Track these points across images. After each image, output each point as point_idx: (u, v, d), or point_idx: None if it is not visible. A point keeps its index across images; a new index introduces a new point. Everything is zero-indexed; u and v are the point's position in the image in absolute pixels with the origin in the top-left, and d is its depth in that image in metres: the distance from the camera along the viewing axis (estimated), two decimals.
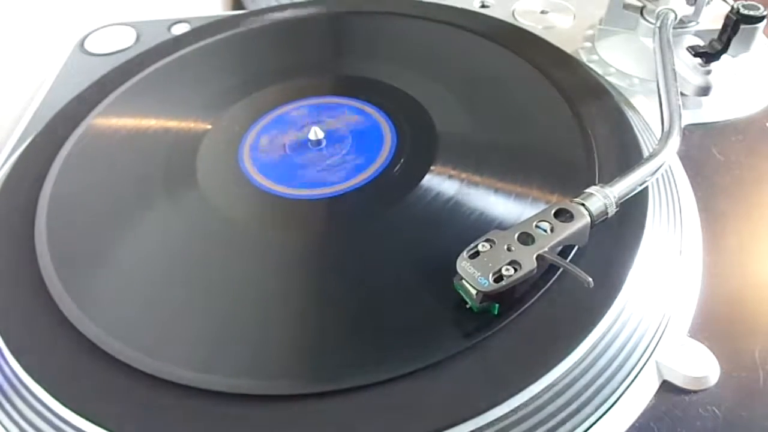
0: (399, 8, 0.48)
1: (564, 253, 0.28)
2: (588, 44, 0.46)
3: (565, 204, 0.28)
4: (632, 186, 0.29)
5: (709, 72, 0.38)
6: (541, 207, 0.28)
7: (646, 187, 0.31)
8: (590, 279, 0.25)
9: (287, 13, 0.49)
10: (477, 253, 0.26)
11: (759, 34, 0.38)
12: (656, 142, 0.32)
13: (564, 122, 0.36)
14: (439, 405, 0.24)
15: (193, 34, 0.48)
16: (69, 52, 0.51)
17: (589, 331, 0.26)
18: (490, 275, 0.25)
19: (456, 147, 0.36)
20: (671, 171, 0.35)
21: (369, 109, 0.39)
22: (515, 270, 0.26)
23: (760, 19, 0.37)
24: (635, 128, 0.36)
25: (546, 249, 0.26)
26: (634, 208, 0.30)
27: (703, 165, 0.36)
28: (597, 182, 0.29)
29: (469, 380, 0.25)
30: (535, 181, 0.33)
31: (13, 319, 0.30)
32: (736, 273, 0.31)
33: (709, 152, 0.37)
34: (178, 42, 0.47)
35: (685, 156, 0.36)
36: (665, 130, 0.32)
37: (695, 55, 0.39)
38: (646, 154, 0.33)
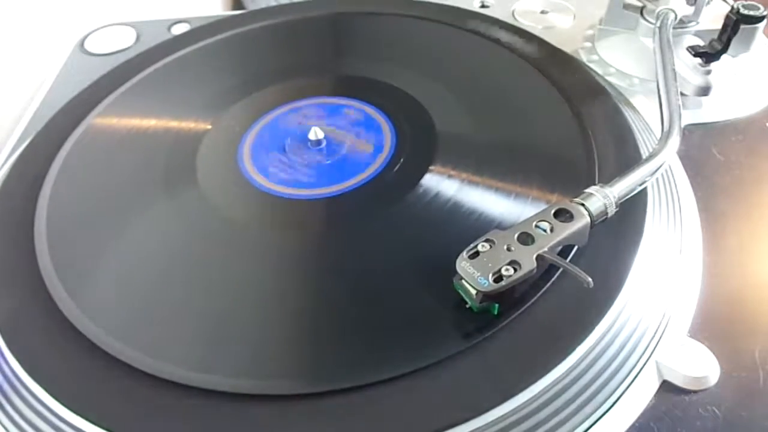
0: (399, 8, 0.48)
1: (564, 253, 0.28)
2: (588, 44, 0.46)
3: (565, 204, 0.28)
4: (632, 186, 0.29)
5: (709, 72, 0.38)
6: (541, 207, 0.28)
7: (646, 187, 0.31)
8: (590, 279, 0.25)
9: (287, 13, 0.49)
10: (477, 253, 0.26)
11: (759, 34, 0.38)
12: (656, 142, 0.32)
13: (564, 122, 0.36)
14: (439, 405, 0.24)
15: (193, 34, 0.48)
16: (69, 52, 0.51)
17: (589, 331, 0.26)
18: (490, 275, 0.25)
19: (456, 147, 0.36)
20: (671, 171, 0.35)
21: (369, 109, 0.39)
22: (515, 270, 0.26)
23: (760, 19, 0.37)
24: (635, 128, 0.36)
25: (546, 249, 0.26)
26: (634, 208, 0.30)
27: (703, 165, 0.36)
28: (597, 182, 0.29)
29: (469, 380, 0.25)
30: (535, 181, 0.33)
31: (12, 319, 0.30)
32: (736, 273, 0.31)
33: (709, 152, 0.37)
34: (178, 42, 0.47)
35: (685, 156, 0.36)
36: (665, 130, 0.32)
37: (695, 55, 0.39)
38: (645, 154, 0.33)
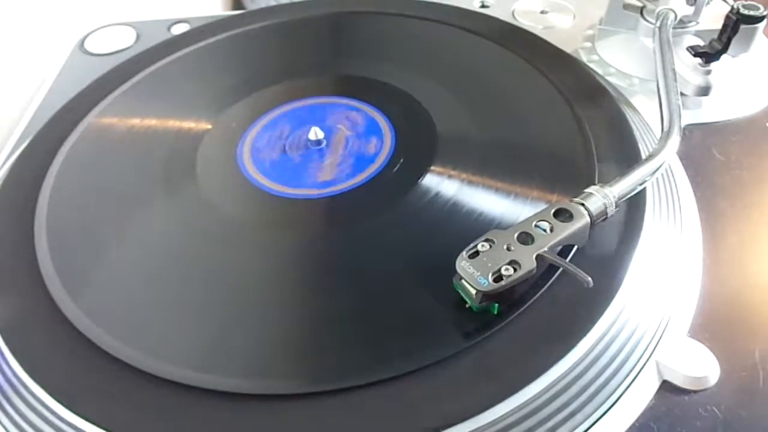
0: (399, 8, 0.48)
1: (564, 252, 0.28)
2: (588, 44, 0.46)
3: (565, 204, 0.28)
4: (632, 186, 0.29)
5: (709, 72, 0.38)
6: (541, 207, 0.28)
7: (646, 187, 0.31)
8: (590, 279, 0.25)
9: (287, 13, 0.49)
10: (476, 253, 0.26)
11: (759, 34, 0.38)
12: (656, 142, 0.32)
13: (564, 122, 0.36)
14: (439, 405, 0.24)
15: (193, 34, 0.48)
16: (69, 52, 0.51)
17: (589, 331, 0.26)
18: (490, 275, 0.25)
19: (456, 147, 0.36)
20: (671, 171, 0.35)
21: (369, 109, 0.39)
22: (515, 270, 0.26)
23: (760, 19, 0.37)
24: (635, 128, 0.36)
25: (545, 249, 0.26)
26: (634, 208, 0.30)
27: (703, 165, 0.36)
28: (597, 182, 0.29)
29: (469, 380, 0.25)
30: (535, 181, 0.33)
31: (13, 319, 0.30)
32: (736, 273, 0.31)
33: (709, 152, 0.37)
34: (178, 42, 0.47)
35: (685, 156, 0.36)
36: (665, 130, 0.32)
37: (695, 55, 0.39)
38: (645, 154, 0.33)
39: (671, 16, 0.39)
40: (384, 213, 0.33)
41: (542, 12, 0.50)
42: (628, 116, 0.37)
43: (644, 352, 0.27)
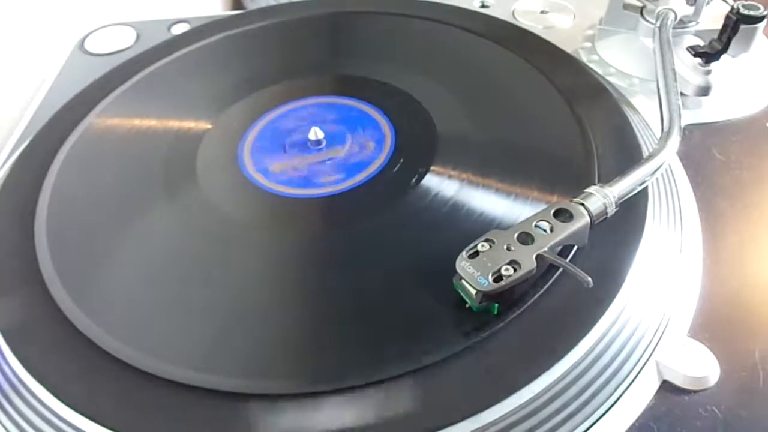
0: (399, 8, 0.48)
1: (564, 253, 0.28)
2: (588, 44, 0.46)
3: (565, 204, 0.28)
4: (632, 186, 0.29)
5: (709, 72, 0.38)
6: (541, 207, 0.28)
7: (646, 187, 0.31)
8: (590, 279, 0.25)
9: (287, 13, 0.49)
10: (476, 253, 0.26)
11: (759, 34, 0.38)
12: (656, 142, 0.32)
13: (564, 122, 0.36)
14: (439, 405, 0.24)
15: (193, 34, 0.48)
16: (69, 52, 0.51)
17: (589, 331, 0.26)
18: (490, 275, 0.25)
19: (456, 147, 0.36)
20: (671, 171, 0.35)
21: (369, 109, 0.39)
22: (515, 270, 0.26)
23: (760, 19, 0.37)
24: (635, 128, 0.36)
25: (545, 249, 0.26)
26: (634, 208, 0.30)
27: (703, 165, 0.36)
28: (597, 182, 0.29)
29: (468, 380, 0.25)
30: (535, 181, 0.33)
31: (13, 319, 0.30)
32: (736, 273, 0.31)
33: (709, 152, 0.37)
34: (178, 42, 0.47)
35: (685, 156, 0.36)
36: (665, 130, 0.32)
37: (695, 55, 0.39)
38: (645, 154, 0.33)
39: (671, 16, 0.39)
40: (384, 213, 0.33)
41: (542, 12, 0.50)
42: (628, 116, 0.37)
43: (644, 352, 0.27)
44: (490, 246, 0.27)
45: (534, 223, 0.27)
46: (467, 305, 0.27)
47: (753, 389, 0.26)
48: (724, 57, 0.38)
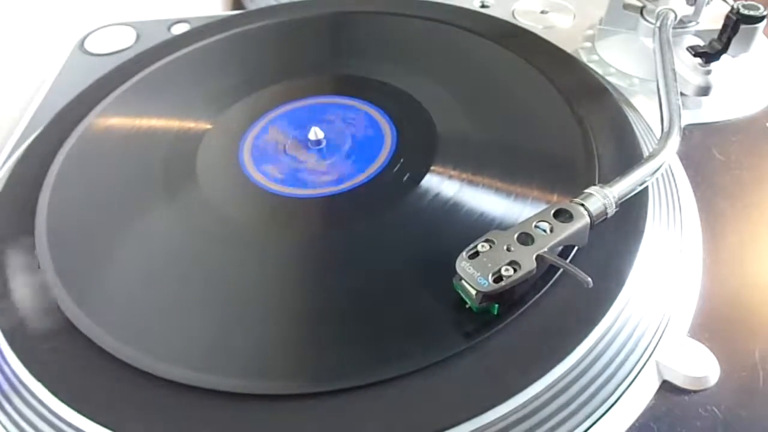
0: (399, 8, 0.48)
1: (564, 253, 0.28)
2: (588, 44, 0.46)
3: (565, 204, 0.28)
4: (632, 186, 0.29)
5: (709, 72, 0.38)
6: (541, 207, 0.28)
7: (646, 187, 0.31)
8: (590, 279, 0.25)
9: (287, 13, 0.49)
10: (476, 254, 0.26)
11: (759, 34, 0.38)
12: (656, 142, 0.32)
13: (564, 122, 0.36)
14: (439, 405, 0.24)
15: (193, 34, 0.48)
16: (69, 52, 0.51)
17: (589, 331, 0.26)
18: (490, 275, 0.25)
19: (456, 147, 0.36)
20: (671, 171, 0.35)
21: (369, 109, 0.39)
22: (515, 270, 0.26)
23: (760, 19, 0.37)
24: (635, 128, 0.36)
25: (545, 249, 0.26)
26: (634, 208, 0.30)
27: (703, 165, 0.36)
28: (597, 182, 0.29)
29: (468, 380, 0.25)
30: (535, 181, 0.33)
31: (12, 318, 0.30)
32: (736, 273, 0.31)
33: (709, 152, 0.37)
34: (178, 42, 0.47)
35: (685, 156, 0.36)
36: (665, 130, 0.32)
37: (695, 55, 0.39)
38: (646, 154, 0.33)
39: (671, 16, 0.39)
40: (384, 213, 0.33)
41: (542, 12, 0.50)
42: (628, 116, 0.37)
43: (644, 352, 0.27)
44: (490, 246, 0.27)
45: (534, 224, 0.27)
46: (467, 306, 0.27)
47: (753, 389, 0.26)
48: (724, 57, 0.38)
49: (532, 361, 0.25)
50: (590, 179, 0.32)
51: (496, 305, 0.26)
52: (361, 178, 0.35)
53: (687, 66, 0.39)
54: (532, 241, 0.27)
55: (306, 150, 0.37)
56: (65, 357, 0.28)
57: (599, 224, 0.28)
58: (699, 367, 0.27)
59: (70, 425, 0.26)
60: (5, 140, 0.44)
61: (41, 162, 0.38)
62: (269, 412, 0.25)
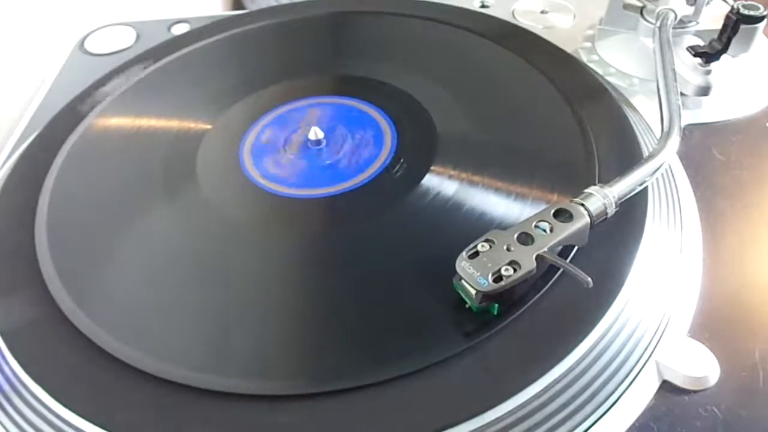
0: (399, 8, 0.48)
1: (564, 253, 0.28)
2: (588, 44, 0.46)
3: (565, 204, 0.28)
4: (632, 186, 0.29)
5: (709, 72, 0.38)
6: (541, 207, 0.28)
7: (646, 187, 0.31)
8: (589, 279, 0.25)
9: (287, 13, 0.49)
10: (476, 253, 0.26)
11: (759, 34, 0.38)
12: (656, 142, 0.32)
13: (564, 122, 0.36)
14: (439, 405, 0.24)
15: (193, 34, 0.48)
16: (69, 52, 0.51)
17: (589, 331, 0.26)
18: (490, 275, 0.25)
19: (456, 147, 0.36)
20: (671, 171, 0.35)
21: (369, 109, 0.39)
22: (515, 270, 0.26)
23: (760, 19, 0.37)
24: (635, 128, 0.36)
25: (545, 249, 0.26)
26: (634, 208, 0.30)
27: (703, 165, 0.36)
28: (597, 182, 0.29)
29: (468, 380, 0.25)
30: (535, 181, 0.33)
31: (13, 319, 0.30)
32: (736, 273, 0.31)
33: (709, 152, 0.37)
34: (178, 42, 0.47)
35: (685, 156, 0.36)
36: (665, 130, 0.32)
37: (695, 55, 0.39)
38: (645, 154, 0.33)
39: (671, 16, 0.39)
40: (384, 213, 0.33)
41: (542, 12, 0.50)
42: (628, 116, 0.37)
43: (644, 352, 0.27)
44: (490, 246, 0.27)
45: (534, 224, 0.27)
46: (467, 305, 0.27)
47: (753, 389, 0.26)
48: (724, 57, 0.38)
49: (532, 361, 0.25)
50: (590, 179, 0.32)
51: (496, 305, 0.26)
52: (361, 178, 0.35)
53: (687, 66, 0.39)
54: (532, 240, 0.27)
55: (306, 150, 0.37)
56: (65, 357, 0.28)
57: (599, 224, 0.28)
58: (699, 367, 0.27)
59: (69, 425, 0.26)
60: (5, 140, 0.44)
61: (41, 162, 0.38)
62: (269, 412, 0.25)
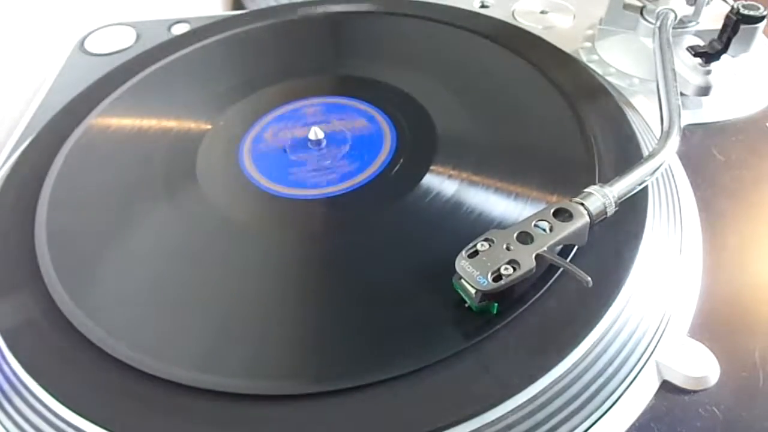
0: (399, 8, 0.48)
1: (564, 252, 0.28)
2: (588, 44, 0.46)
3: (565, 203, 0.28)
4: (631, 186, 0.29)
5: (709, 72, 0.38)
6: (541, 207, 0.28)
7: (646, 187, 0.31)
8: (589, 278, 0.25)
9: (287, 13, 0.49)
10: (476, 253, 0.26)
11: (759, 34, 0.38)
12: (656, 142, 0.32)
13: (564, 122, 0.36)
14: (439, 404, 0.24)
15: (193, 34, 0.48)
16: (69, 52, 0.51)
17: (589, 331, 0.26)
18: (489, 274, 0.25)
19: (456, 147, 0.36)
20: (671, 171, 0.35)
21: (369, 109, 0.39)
22: (514, 269, 0.26)
23: (760, 19, 0.37)
24: (635, 128, 0.36)
25: (545, 248, 0.26)
26: (634, 208, 0.30)
27: (703, 165, 0.36)
28: (596, 182, 0.29)
29: (468, 380, 0.25)
30: (535, 181, 0.33)
31: (12, 319, 0.30)
32: (736, 273, 0.31)
33: (709, 152, 0.37)
34: (178, 42, 0.47)
35: (685, 156, 0.36)
36: (665, 130, 0.32)
37: (695, 55, 0.39)
38: (645, 154, 0.33)
39: (671, 16, 0.39)
40: (384, 213, 0.33)
41: (542, 12, 0.50)
42: (628, 116, 0.37)
43: (644, 352, 0.27)
44: (490, 245, 0.27)
45: (533, 223, 0.27)
46: (467, 305, 0.27)
47: (753, 389, 0.26)
48: (724, 57, 0.38)
49: (532, 361, 0.25)
50: (590, 179, 0.32)
51: (496, 304, 0.26)
52: (361, 178, 0.35)
53: (687, 66, 0.39)
54: (532, 240, 0.27)
55: (306, 150, 0.37)
56: (65, 357, 0.28)
57: (599, 223, 0.28)
58: (699, 367, 0.27)
59: (69, 425, 0.26)
60: (5, 140, 0.44)
61: (41, 162, 0.38)
62: (269, 412, 0.25)
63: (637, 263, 0.28)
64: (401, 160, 0.35)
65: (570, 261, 0.28)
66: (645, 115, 0.39)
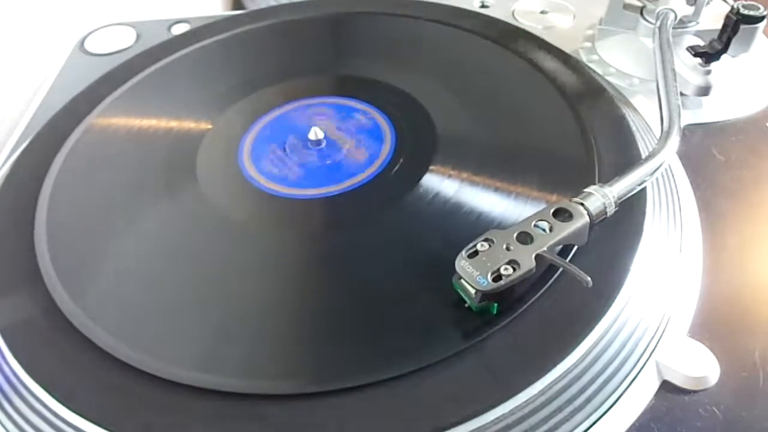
0: (399, 8, 0.48)
1: (564, 252, 0.28)
2: (588, 44, 0.46)
3: (564, 203, 0.28)
4: (631, 186, 0.29)
5: (709, 72, 0.38)
6: (541, 207, 0.28)
7: (646, 187, 0.31)
8: (589, 279, 0.25)
9: (287, 13, 0.49)
10: (476, 253, 0.26)
11: (759, 34, 0.38)
12: (656, 142, 0.32)
13: (564, 122, 0.36)
14: (439, 404, 0.24)
15: (193, 34, 0.48)
16: (69, 52, 0.51)
17: (589, 331, 0.26)
18: (489, 274, 0.25)
19: (456, 147, 0.36)
20: (671, 171, 0.35)
21: (369, 109, 0.39)
22: (514, 269, 0.26)
23: (760, 19, 0.37)
24: (635, 128, 0.36)
25: (545, 248, 0.26)
26: (634, 208, 0.30)
27: (703, 165, 0.36)
28: (596, 182, 0.29)
29: (468, 380, 0.25)
30: (535, 181, 0.33)
31: (12, 319, 0.30)
32: (736, 273, 0.31)
33: (709, 152, 0.37)
34: (178, 42, 0.47)
35: (685, 156, 0.36)
36: (665, 130, 0.32)
37: (695, 55, 0.39)
38: (645, 154, 0.33)
39: (671, 16, 0.39)
40: (384, 213, 0.33)
41: (542, 12, 0.50)
42: (628, 116, 0.37)
43: (644, 352, 0.27)
44: (490, 245, 0.27)
45: (533, 223, 0.27)
46: (467, 305, 0.27)
47: (753, 389, 0.26)
48: (724, 57, 0.38)
49: (532, 361, 0.25)
50: (590, 179, 0.32)
51: (496, 304, 0.26)
52: (361, 178, 0.35)
53: (687, 66, 0.39)
54: (532, 240, 0.27)
55: (306, 150, 0.37)
56: (65, 357, 0.28)
57: (599, 223, 0.28)
58: (699, 367, 0.27)
59: (69, 425, 0.26)
60: (5, 140, 0.44)
61: (41, 162, 0.38)
62: (269, 412, 0.25)
63: (637, 263, 0.28)
64: (401, 160, 0.35)
65: (570, 261, 0.28)
66: (645, 115, 0.39)
